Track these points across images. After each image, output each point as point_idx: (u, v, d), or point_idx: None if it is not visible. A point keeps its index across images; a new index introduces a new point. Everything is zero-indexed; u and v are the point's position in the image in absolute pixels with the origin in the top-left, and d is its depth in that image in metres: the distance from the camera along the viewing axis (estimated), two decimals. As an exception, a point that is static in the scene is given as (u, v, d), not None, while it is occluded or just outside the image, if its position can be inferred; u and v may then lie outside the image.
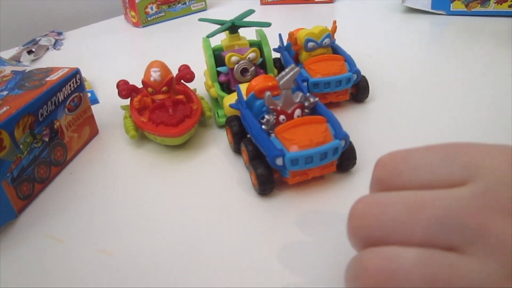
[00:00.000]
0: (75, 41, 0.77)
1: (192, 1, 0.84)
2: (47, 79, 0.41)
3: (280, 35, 0.52)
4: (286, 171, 0.34)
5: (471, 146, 0.21)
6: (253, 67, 0.44)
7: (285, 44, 0.51)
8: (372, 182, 0.24)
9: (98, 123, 0.47)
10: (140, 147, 0.44)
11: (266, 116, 0.35)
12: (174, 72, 0.47)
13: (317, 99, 0.37)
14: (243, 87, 0.41)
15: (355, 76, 0.44)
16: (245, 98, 0.39)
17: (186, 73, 0.46)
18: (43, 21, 0.85)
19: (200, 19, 0.49)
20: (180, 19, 0.83)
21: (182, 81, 0.47)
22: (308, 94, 0.37)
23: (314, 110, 0.37)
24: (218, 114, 0.45)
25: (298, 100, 0.36)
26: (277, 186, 0.36)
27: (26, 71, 0.43)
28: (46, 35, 0.79)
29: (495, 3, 0.67)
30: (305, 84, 0.43)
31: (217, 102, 0.47)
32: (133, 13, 0.79)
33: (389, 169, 0.23)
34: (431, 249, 0.19)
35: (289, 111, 0.36)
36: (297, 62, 0.48)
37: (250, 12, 0.49)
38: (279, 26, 0.74)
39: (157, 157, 0.42)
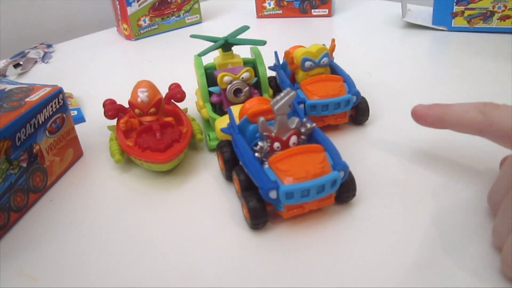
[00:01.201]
0: (65, 54, 0.75)
1: (187, 14, 0.82)
2: (27, 99, 0.38)
3: (276, 53, 0.50)
4: (281, 204, 0.31)
5: None
6: (247, 88, 0.42)
7: (281, 62, 0.49)
8: None
9: (83, 144, 0.45)
10: (126, 172, 0.41)
11: (260, 143, 0.32)
12: (165, 90, 0.45)
13: (314, 125, 0.34)
14: (235, 110, 0.38)
15: (354, 98, 0.42)
16: (237, 121, 0.37)
17: (177, 93, 0.44)
18: (33, 33, 0.82)
19: (192, 36, 0.47)
20: (174, 31, 0.81)
21: (172, 100, 0.44)
22: (304, 119, 0.34)
23: (311, 137, 0.35)
24: (209, 137, 0.42)
25: (294, 126, 0.33)
26: (271, 218, 0.33)
27: (6, 89, 0.41)
28: (35, 47, 0.76)
29: (498, 19, 0.65)
30: (301, 106, 0.41)
31: (209, 123, 0.44)
32: (125, 26, 0.77)
33: None
34: None
35: (284, 138, 0.33)
36: (294, 81, 0.46)
37: (245, 28, 0.47)
38: (276, 40, 0.72)
39: (143, 183, 0.39)
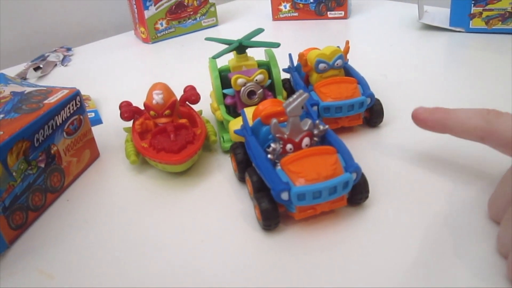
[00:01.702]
0: (84, 57, 0.76)
1: (203, 17, 0.83)
2: (45, 101, 0.39)
3: (290, 55, 0.50)
4: (293, 206, 0.31)
5: None
6: (261, 90, 0.42)
7: (295, 64, 0.49)
8: None
9: (100, 145, 0.46)
10: (141, 173, 0.42)
11: (272, 145, 0.33)
12: (181, 92, 0.45)
13: (327, 126, 0.34)
14: (249, 112, 0.39)
15: (368, 100, 0.42)
16: (251, 123, 0.37)
17: (191, 95, 0.44)
18: (53, 37, 0.84)
19: (207, 38, 0.48)
20: (190, 34, 0.81)
21: (187, 102, 0.45)
22: (317, 121, 0.34)
23: (324, 138, 0.35)
24: (223, 139, 0.43)
25: (306, 128, 0.34)
26: (283, 220, 0.33)
27: (26, 92, 0.42)
28: (55, 50, 0.78)
29: (517, 20, 0.64)
30: (315, 108, 0.41)
31: (223, 125, 0.45)
32: (142, 29, 0.78)
33: None
34: None
35: (297, 140, 0.33)
36: (308, 84, 0.46)
37: (259, 31, 0.47)
38: (292, 43, 0.72)
39: (158, 184, 0.40)
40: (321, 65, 0.43)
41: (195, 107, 0.45)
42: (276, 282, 0.29)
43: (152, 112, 0.41)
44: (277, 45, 0.44)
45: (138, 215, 0.37)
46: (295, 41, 0.75)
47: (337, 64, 0.44)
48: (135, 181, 0.41)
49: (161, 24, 0.78)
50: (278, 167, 0.32)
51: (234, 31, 0.81)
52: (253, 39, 0.46)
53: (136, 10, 0.77)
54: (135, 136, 0.41)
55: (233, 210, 0.36)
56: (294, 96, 0.32)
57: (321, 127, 0.34)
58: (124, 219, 0.36)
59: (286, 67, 0.50)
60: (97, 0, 0.87)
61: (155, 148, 0.39)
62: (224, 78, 0.44)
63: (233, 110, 0.44)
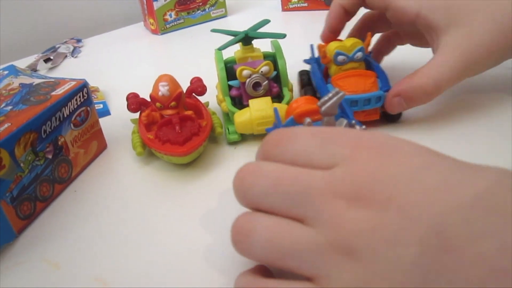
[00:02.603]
0: (93, 48, 0.77)
1: (212, 8, 0.82)
2: (53, 93, 0.39)
3: (311, 46, 0.49)
4: None
5: (344, 135, 0.25)
6: (266, 81, 0.42)
7: (316, 55, 0.48)
8: (258, 152, 0.28)
9: (108, 136, 0.46)
10: (147, 164, 0.42)
11: None
12: (187, 84, 0.45)
13: (364, 127, 0.32)
14: (254, 103, 0.39)
15: (386, 95, 0.41)
16: (283, 121, 0.36)
17: (198, 86, 0.45)
18: (64, 28, 0.85)
19: (213, 30, 0.47)
20: (199, 25, 0.81)
21: (193, 94, 0.45)
22: (353, 121, 0.33)
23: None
24: (229, 130, 0.43)
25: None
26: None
27: (34, 83, 0.42)
28: (65, 42, 0.79)
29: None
30: None
31: (228, 117, 0.45)
32: (151, 20, 0.78)
33: (275, 145, 0.26)
34: (285, 218, 0.23)
35: None
36: (327, 76, 0.45)
37: (265, 22, 0.47)
38: (301, 33, 0.72)
39: (164, 176, 0.40)
40: (340, 57, 0.42)
41: (202, 99, 0.45)
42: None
43: (158, 104, 0.41)
44: (283, 36, 0.44)
45: (144, 206, 0.37)
46: (305, 31, 0.74)
47: (357, 57, 0.42)
48: (141, 172, 0.41)
49: (170, 15, 0.78)
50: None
51: (244, 22, 0.81)
52: (260, 30, 0.45)
53: (145, 1, 0.77)
54: (141, 127, 0.42)
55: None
56: (330, 94, 0.31)
57: (358, 127, 0.32)
58: (130, 210, 0.37)
59: (308, 58, 0.49)
60: (107, -9, 0.88)
61: (161, 139, 0.39)
62: (230, 70, 0.44)
63: (239, 102, 0.44)
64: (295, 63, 0.49)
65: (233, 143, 0.43)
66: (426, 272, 0.20)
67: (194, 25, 0.81)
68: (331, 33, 0.47)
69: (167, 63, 0.68)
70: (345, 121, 0.33)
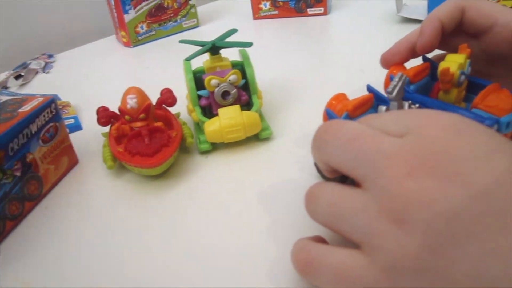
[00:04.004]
0: (65, 63, 0.76)
1: (184, 18, 0.83)
2: (19, 110, 0.39)
3: (391, 77, 0.38)
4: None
5: (418, 112, 0.25)
6: (235, 90, 0.43)
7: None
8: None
9: (79, 151, 0.46)
10: (119, 177, 0.42)
11: None
12: (157, 96, 0.45)
13: (417, 105, 0.33)
14: (223, 112, 0.39)
15: None
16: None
17: (167, 98, 0.45)
18: (36, 44, 0.84)
19: (181, 41, 0.48)
20: (171, 37, 0.81)
21: (163, 105, 0.45)
22: (410, 101, 0.33)
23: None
24: (199, 140, 0.43)
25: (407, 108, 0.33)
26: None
27: (1, 101, 0.42)
28: (37, 58, 0.78)
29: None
30: (495, 127, 0.32)
31: (199, 126, 0.45)
32: (123, 33, 0.78)
33: (362, 121, 0.27)
34: (351, 187, 0.24)
35: None
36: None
37: (233, 31, 0.47)
38: (272, 41, 0.73)
39: (136, 188, 0.40)
40: (462, 78, 0.34)
41: (174, 109, 0.46)
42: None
43: (127, 117, 0.41)
44: (249, 44, 0.44)
45: (117, 220, 0.37)
46: (276, 39, 0.75)
47: (469, 73, 0.35)
48: (113, 186, 0.41)
49: (142, 28, 0.78)
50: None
51: (216, 31, 0.80)
52: (228, 39, 0.46)
53: (116, 14, 0.77)
54: (111, 141, 0.41)
55: (212, 209, 0.36)
56: (396, 79, 0.32)
57: (416, 105, 0.33)
58: (103, 224, 0.37)
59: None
60: (78, 6, 0.87)
61: (130, 152, 0.39)
62: (199, 80, 0.44)
63: (209, 111, 0.44)
64: (266, 70, 0.50)
65: (204, 152, 0.43)
66: (481, 253, 0.20)
67: (166, 37, 0.81)
68: (422, 51, 0.37)
69: (139, 76, 0.68)
70: (406, 103, 0.33)
